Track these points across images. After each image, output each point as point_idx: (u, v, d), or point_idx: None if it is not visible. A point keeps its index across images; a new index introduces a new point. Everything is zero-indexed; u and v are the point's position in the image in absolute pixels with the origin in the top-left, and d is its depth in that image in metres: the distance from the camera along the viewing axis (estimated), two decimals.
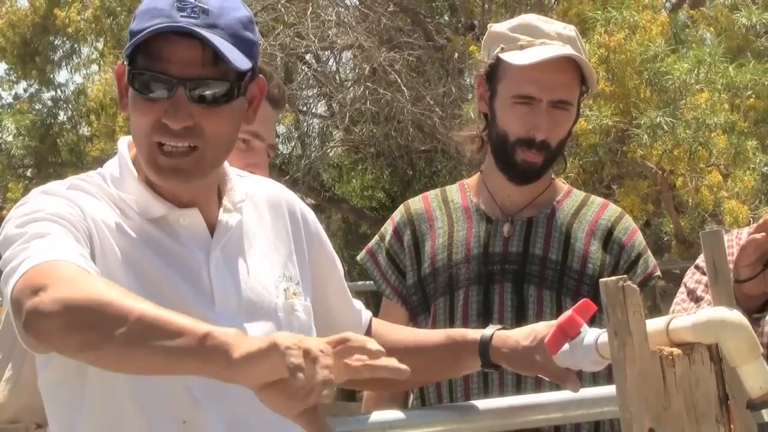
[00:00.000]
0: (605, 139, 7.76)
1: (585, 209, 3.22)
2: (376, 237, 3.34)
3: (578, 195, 3.28)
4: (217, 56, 2.09)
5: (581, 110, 3.47)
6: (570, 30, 3.21)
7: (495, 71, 3.15)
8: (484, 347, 2.41)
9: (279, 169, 12.68)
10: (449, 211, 3.24)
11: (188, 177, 2.16)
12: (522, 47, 3.12)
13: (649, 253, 3.27)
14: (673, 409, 1.89)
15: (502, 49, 3.14)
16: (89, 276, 1.96)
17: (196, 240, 2.20)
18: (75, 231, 2.07)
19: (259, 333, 2.18)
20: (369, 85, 10.48)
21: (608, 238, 3.18)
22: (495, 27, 3.23)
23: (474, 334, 2.46)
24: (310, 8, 10.17)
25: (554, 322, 2.27)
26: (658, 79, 7.52)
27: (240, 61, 2.11)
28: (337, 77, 12.05)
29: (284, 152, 13.90)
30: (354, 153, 14.00)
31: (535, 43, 3.12)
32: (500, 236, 3.16)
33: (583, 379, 2.42)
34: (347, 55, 11.79)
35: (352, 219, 16.43)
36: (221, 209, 2.26)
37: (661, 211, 9.37)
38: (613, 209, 3.26)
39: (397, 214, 3.29)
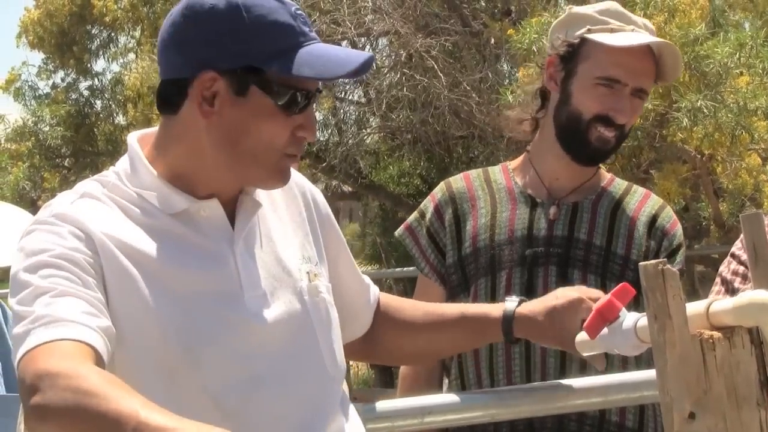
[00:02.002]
0: (644, 123, 7.69)
1: (629, 197, 3.24)
2: (415, 213, 3.34)
3: (621, 183, 3.30)
4: None
5: None
6: (649, 23, 3.23)
7: (575, 51, 3.16)
8: (508, 322, 2.44)
9: (316, 157, 12.69)
10: (492, 191, 3.25)
11: (290, 176, 2.26)
12: (612, 30, 3.13)
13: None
14: (713, 393, 1.87)
15: (589, 30, 3.14)
16: (88, 369, 1.91)
17: (219, 231, 2.22)
18: (83, 275, 2.06)
19: (288, 319, 2.21)
20: (405, 72, 10.45)
21: (652, 225, 3.20)
22: (578, 9, 3.25)
23: (493, 309, 2.48)
24: None
25: (571, 291, 2.28)
26: (698, 63, 7.44)
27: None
28: (374, 64, 12.01)
29: (321, 139, 13.91)
30: (390, 140, 13.96)
31: (625, 28, 3.14)
32: (545, 219, 3.17)
33: (611, 364, 2.42)
34: (383, 41, 11.76)
35: (389, 206, 16.42)
36: (239, 200, 2.28)
37: (699, 196, 9.30)
38: (656, 199, 3.29)
39: (438, 192, 3.30)
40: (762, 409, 1.91)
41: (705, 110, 7.17)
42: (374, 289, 2.61)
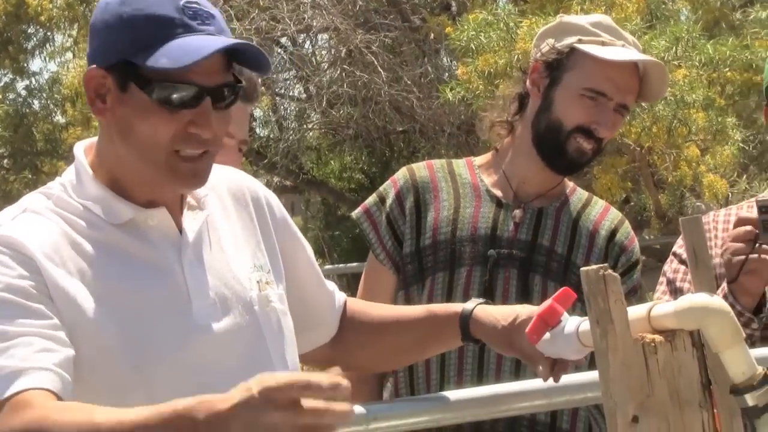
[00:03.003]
0: None
1: (590, 208, 3.25)
2: (374, 197, 3.29)
3: (582, 193, 3.31)
4: (229, 62, 2.11)
5: None
6: (638, 42, 3.23)
7: (563, 60, 3.14)
8: (465, 320, 2.41)
9: (257, 153, 12.65)
10: (456, 184, 3.23)
11: (204, 179, 2.17)
12: (603, 44, 3.12)
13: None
14: (656, 396, 1.89)
15: (579, 40, 3.13)
16: (50, 413, 1.89)
17: (167, 240, 2.18)
18: (32, 305, 2.00)
19: (236, 330, 2.18)
20: (345, 68, 10.45)
21: (611, 239, 3.21)
22: (569, 19, 3.24)
23: (456, 307, 2.46)
24: None
25: (536, 308, 2.27)
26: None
27: (268, 60, 2.15)
28: (314, 60, 12.01)
29: (262, 136, 13.87)
30: (332, 135, 13.97)
31: (616, 43, 3.13)
32: (510, 221, 3.15)
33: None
34: (323, 37, 11.76)
35: (332, 201, 16.42)
36: (185, 207, 2.24)
37: (640, 188, 9.37)
38: (615, 213, 3.30)
39: (401, 178, 3.25)
40: (704, 411, 1.93)
41: (642, 104, 7.22)
42: (340, 295, 2.56)
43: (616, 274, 1.90)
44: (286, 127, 13.17)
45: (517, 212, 3.17)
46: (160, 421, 1.80)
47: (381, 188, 3.29)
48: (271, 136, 13.68)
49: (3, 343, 1.96)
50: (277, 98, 13.01)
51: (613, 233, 3.21)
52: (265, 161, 12.16)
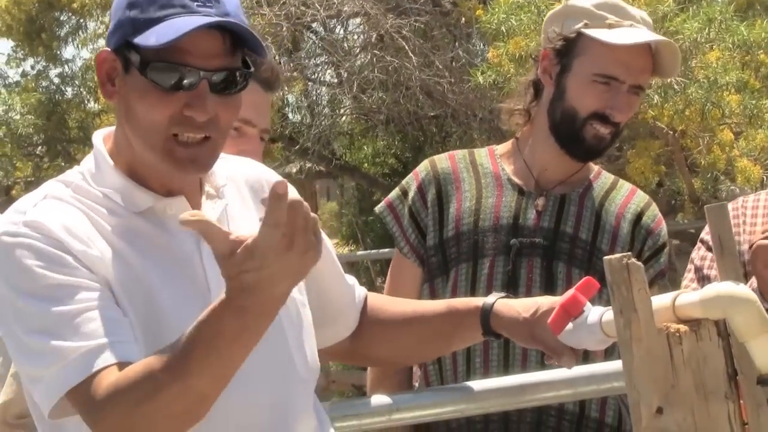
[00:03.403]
0: None
1: (615, 192, 3.19)
2: (397, 191, 3.27)
3: (608, 177, 3.25)
4: (234, 46, 2.07)
5: None
6: (647, 16, 3.17)
7: (571, 46, 3.10)
8: (486, 314, 2.38)
9: (289, 139, 12.65)
10: (478, 175, 3.19)
11: (204, 167, 2.14)
12: (610, 26, 3.06)
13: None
14: (681, 387, 1.85)
15: (586, 24, 3.08)
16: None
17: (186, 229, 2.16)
18: (77, 279, 2.02)
19: None
20: (376, 53, 10.41)
21: (637, 223, 3.16)
22: (574, 2, 3.16)
23: (477, 301, 2.43)
24: None
25: (558, 299, 2.23)
26: (669, 39, 7.40)
27: (263, 50, 2.09)
28: (345, 45, 11.98)
29: (294, 121, 13.86)
30: (364, 121, 13.93)
31: (623, 24, 3.07)
32: (532, 209, 3.12)
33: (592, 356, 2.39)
34: (354, 22, 11.71)
35: (365, 186, 16.40)
36: (204, 195, 2.22)
37: (673, 172, 9.30)
38: (642, 195, 3.24)
39: (422, 171, 3.23)
40: (730, 402, 1.89)
41: (675, 87, 7.15)
42: (360, 290, 2.54)
43: (639, 263, 1.86)
44: (318, 113, 13.15)
45: (540, 200, 3.13)
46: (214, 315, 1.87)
47: (404, 181, 3.27)
48: (304, 121, 13.65)
49: (68, 322, 1.97)
50: (309, 84, 12.98)
51: (639, 216, 3.17)
52: (298, 147, 12.14)
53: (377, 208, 3.30)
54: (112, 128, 2.23)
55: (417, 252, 3.18)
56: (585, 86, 3.07)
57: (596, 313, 2.15)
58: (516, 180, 3.17)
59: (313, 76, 12.94)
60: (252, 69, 2.13)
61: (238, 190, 2.30)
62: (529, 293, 3.00)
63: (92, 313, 1.99)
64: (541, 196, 3.14)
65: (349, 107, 12.87)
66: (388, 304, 2.56)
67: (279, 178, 2.39)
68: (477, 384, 2.51)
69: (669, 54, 3.08)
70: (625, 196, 3.19)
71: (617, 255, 1.87)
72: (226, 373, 1.92)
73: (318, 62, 12.57)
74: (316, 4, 10.04)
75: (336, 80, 12.72)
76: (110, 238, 2.09)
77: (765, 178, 7.84)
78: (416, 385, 3.19)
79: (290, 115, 14.19)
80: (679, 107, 7.28)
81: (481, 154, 3.26)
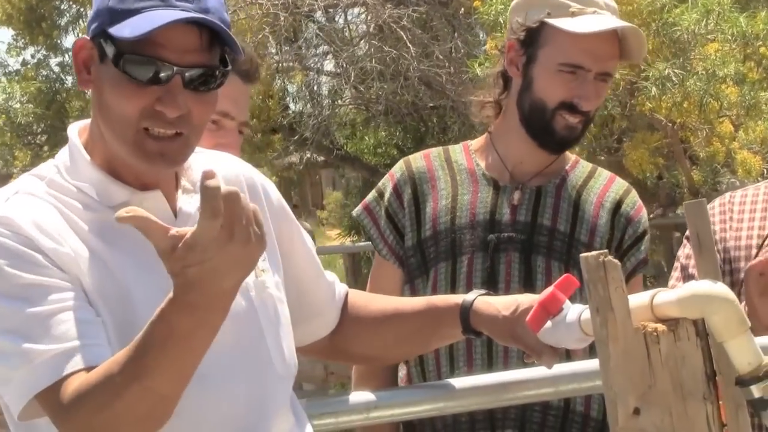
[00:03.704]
0: (614, 92, 7.62)
1: (593, 181, 3.15)
2: (374, 193, 3.24)
3: (585, 166, 3.21)
4: (211, 43, 2.03)
5: None
6: (612, 0, 3.12)
7: (535, 36, 3.06)
8: (465, 311, 2.36)
9: (290, 129, 12.62)
10: (453, 172, 3.16)
11: (174, 162, 2.10)
12: (573, 14, 3.02)
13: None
14: (658, 387, 1.82)
15: (549, 14, 3.04)
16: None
17: None
18: (47, 279, 1.99)
19: (232, 316, 2.12)
20: (375, 43, 10.37)
21: (616, 211, 3.12)
22: None
23: (456, 298, 2.40)
24: None
25: (537, 297, 2.20)
26: (667, 31, 7.37)
27: (239, 48, 2.06)
28: (345, 34, 11.94)
29: (294, 111, 13.83)
30: (364, 111, 13.90)
31: (586, 11, 3.03)
32: (508, 204, 3.08)
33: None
34: (353, 12, 11.68)
35: (367, 176, 16.36)
36: (179, 190, 2.19)
37: (673, 164, 9.26)
38: (620, 183, 3.21)
39: (397, 171, 3.19)
40: (709, 403, 1.85)
41: (673, 78, 7.10)
42: (341, 287, 2.52)
43: (616, 261, 1.83)
44: (318, 103, 13.12)
45: (516, 194, 3.09)
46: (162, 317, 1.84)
47: (380, 183, 3.25)
48: (304, 111, 13.63)
49: (39, 324, 1.95)
50: (309, 73, 12.95)
51: (618, 205, 3.13)
52: (297, 137, 12.11)
53: (355, 211, 3.28)
54: (88, 121, 2.20)
55: (396, 253, 3.15)
56: (551, 76, 3.03)
57: (575, 312, 2.12)
58: (491, 175, 3.13)
59: (313, 66, 12.91)
60: (229, 67, 2.09)
61: None
62: (508, 289, 2.97)
63: (63, 314, 1.97)
64: (516, 190, 3.10)
65: (350, 97, 12.84)
66: (368, 301, 2.53)
67: (256, 172, 2.37)
68: (457, 381, 2.47)
69: (634, 38, 3.04)
70: (603, 185, 3.16)
71: (594, 253, 1.84)
72: (185, 372, 1.89)
73: (318, 52, 12.54)
74: None
75: (336, 70, 12.69)
76: (84, 235, 2.06)
77: (766, 171, 7.81)
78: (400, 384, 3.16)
79: (291, 105, 14.17)
80: (677, 99, 7.23)
81: (456, 150, 3.23)
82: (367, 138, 16.45)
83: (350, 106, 13.60)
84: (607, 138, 8.73)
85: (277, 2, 9.84)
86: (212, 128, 2.80)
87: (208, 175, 1.75)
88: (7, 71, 15.32)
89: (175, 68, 2.00)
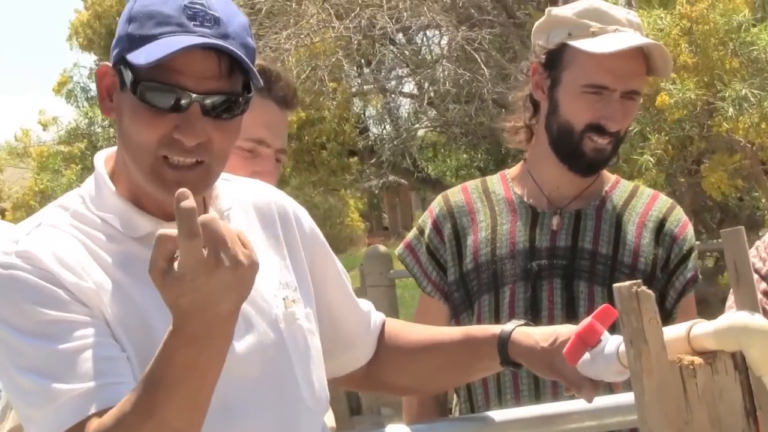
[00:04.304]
0: (691, 113, 7.49)
1: (635, 200, 3.07)
2: (414, 230, 3.20)
3: (627, 185, 3.13)
4: (231, 69, 1.98)
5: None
6: (635, 15, 3.06)
7: (557, 58, 3.00)
8: (503, 342, 2.29)
9: (370, 151, 12.62)
10: (491, 203, 3.10)
11: (194, 191, 2.03)
12: (594, 34, 2.96)
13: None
14: (695, 422, 1.75)
15: (569, 35, 2.98)
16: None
17: None
18: (70, 315, 1.95)
19: (260, 348, 2.08)
20: (448, 66, 10.33)
21: (660, 230, 3.04)
22: (557, 11, 3.06)
23: (494, 328, 2.33)
24: None
25: (576, 328, 2.12)
26: (744, 50, 7.23)
27: (258, 77, 2.01)
28: (422, 56, 11.92)
29: (375, 133, 13.85)
30: (444, 133, 13.86)
31: (607, 29, 2.96)
32: (547, 230, 3.01)
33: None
34: (429, 34, 11.65)
35: None
36: None
37: (754, 186, 9.08)
38: (663, 200, 3.12)
39: (436, 207, 3.16)
40: None
41: (751, 98, 6.96)
42: (377, 315, 2.46)
43: (649, 292, 1.76)
44: (397, 125, 13.11)
45: (554, 219, 3.03)
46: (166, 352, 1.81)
47: (420, 219, 3.21)
48: (383, 133, 13.63)
49: (61, 362, 1.91)
50: (387, 96, 12.95)
51: (662, 223, 3.06)
52: (375, 160, 12.10)
53: (397, 250, 3.25)
54: (115, 148, 2.17)
55: (440, 289, 3.11)
56: (576, 98, 2.96)
57: (614, 343, 2.04)
58: (528, 202, 3.07)
59: (392, 88, 12.90)
60: (252, 93, 2.04)
61: (245, 213, 2.22)
62: (551, 317, 2.91)
63: (87, 352, 1.93)
64: (555, 215, 3.04)
65: (429, 119, 12.81)
66: (405, 330, 2.47)
67: (288, 199, 2.32)
68: (497, 414, 2.40)
69: (658, 54, 2.97)
70: (645, 204, 3.08)
71: (626, 283, 1.77)
72: (197, 403, 1.85)
73: (396, 75, 12.52)
74: (387, 17, 9.96)
75: (415, 91, 12.67)
76: (107, 267, 2.03)
77: None
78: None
79: (371, 128, 14.18)
80: (755, 120, 7.08)
81: (494, 180, 3.18)
82: (448, 160, 16.43)
83: (429, 129, 13.56)
84: (685, 160, 8.59)
85: (350, 25, 9.84)
86: (248, 156, 2.76)
87: (180, 197, 1.71)
88: (89, 96, 15.47)
89: (193, 95, 1.96)
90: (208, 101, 1.97)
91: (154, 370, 1.82)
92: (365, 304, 2.44)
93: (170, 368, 1.80)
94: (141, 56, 1.95)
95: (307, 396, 2.16)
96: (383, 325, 2.45)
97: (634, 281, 1.77)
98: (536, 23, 3.11)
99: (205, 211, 2.14)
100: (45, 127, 15.38)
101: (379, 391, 2.60)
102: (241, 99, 2.01)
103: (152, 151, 1.99)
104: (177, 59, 1.93)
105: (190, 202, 1.71)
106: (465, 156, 16.01)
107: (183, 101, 1.96)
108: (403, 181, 15.21)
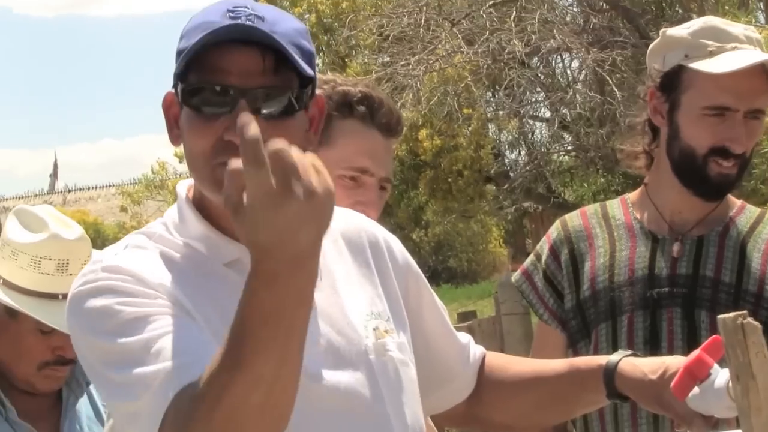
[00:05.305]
0: None
1: (761, 227, 2.92)
2: (532, 256, 3.10)
3: (753, 211, 2.98)
4: (278, 65, 1.89)
5: None
6: (753, 31, 2.92)
7: (675, 81, 2.85)
8: (609, 374, 2.17)
9: (504, 176, 12.54)
10: (610, 228, 2.98)
11: None
12: (712, 54, 2.82)
13: None
14: None
15: (686, 56, 2.85)
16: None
17: None
18: (157, 301, 1.92)
19: (349, 380, 2.01)
20: (579, 88, 10.21)
21: None
22: (672, 32, 2.91)
23: (600, 359, 2.22)
24: (514, 12, 9.93)
25: (685, 359, 2.02)
26: None
27: (305, 67, 1.91)
28: (556, 79, 11.80)
29: (510, 159, 13.77)
30: (579, 157, 13.71)
31: (725, 48, 2.82)
32: (668, 256, 2.88)
33: None
34: (560, 57, 11.54)
35: None
36: None
37: None
38: None
39: (554, 231, 3.04)
40: None
41: None
42: (476, 349, 2.35)
43: (756, 324, 1.66)
44: (532, 150, 13.01)
45: (675, 246, 2.89)
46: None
47: (537, 246, 3.10)
48: (519, 159, 13.55)
49: (150, 349, 1.86)
50: (522, 120, 12.87)
51: None
52: (506, 186, 12.01)
53: (513, 276, 3.14)
54: None
55: (557, 316, 3.00)
56: (697, 122, 2.82)
57: (723, 377, 1.93)
58: (649, 228, 2.94)
59: (526, 113, 12.81)
60: (307, 90, 1.94)
61: (334, 242, 2.15)
62: (671, 347, 2.78)
63: (170, 336, 1.87)
64: (676, 242, 2.90)
65: (564, 143, 12.68)
66: (506, 363, 2.37)
67: (380, 228, 2.25)
68: None
69: None
70: None
71: (732, 314, 1.67)
72: (287, 351, 1.71)
73: (529, 99, 12.43)
74: (514, 41, 9.87)
75: (551, 116, 12.55)
76: (191, 287, 1.98)
77: None
78: None
79: (507, 153, 14.10)
80: None
81: (614, 205, 3.05)
82: (585, 185, 16.24)
83: (563, 153, 13.43)
84: None
85: (479, 50, 9.77)
86: (351, 185, 2.69)
87: (243, 121, 1.58)
88: None
89: (235, 92, 1.89)
90: (257, 99, 1.89)
91: (238, 321, 1.70)
92: (464, 337, 2.35)
93: (254, 314, 1.68)
94: (181, 64, 1.91)
95: (398, 429, 2.08)
96: (483, 358, 2.36)
97: (740, 312, 1.68)
98: (651, 45, 2.99)
99: None
100: (181, 159, 15.58)
101: (479, 427, 2.50)
102: (293, 97, 1.93)
103: (209, 159, 1.92)
104: (219, 59, 1.89)
105: (254, 128, 1.60)
106: (602, 180, 15.81)
107: (230, 101, 1.88)
108: (537, 206, 15.08)
